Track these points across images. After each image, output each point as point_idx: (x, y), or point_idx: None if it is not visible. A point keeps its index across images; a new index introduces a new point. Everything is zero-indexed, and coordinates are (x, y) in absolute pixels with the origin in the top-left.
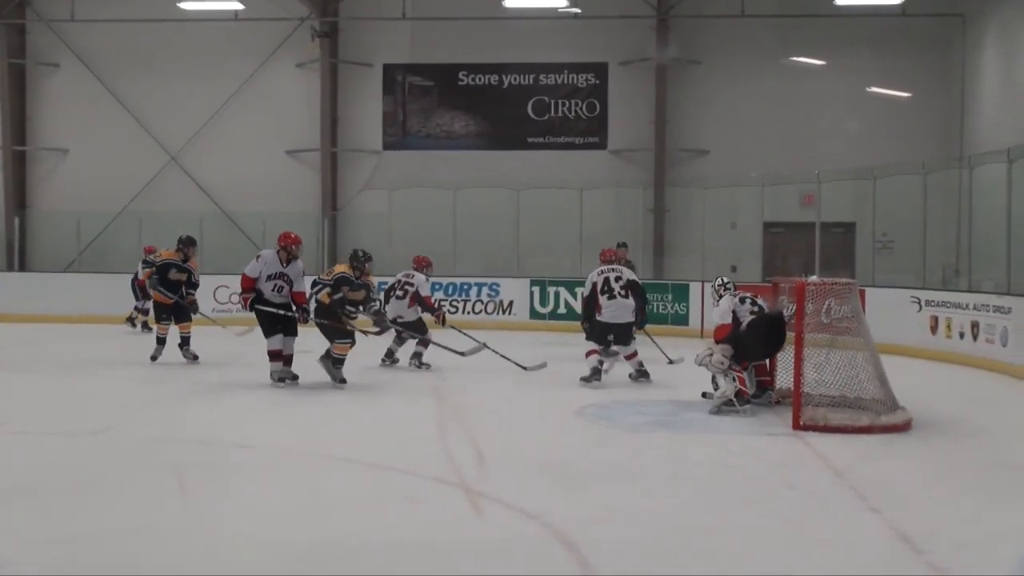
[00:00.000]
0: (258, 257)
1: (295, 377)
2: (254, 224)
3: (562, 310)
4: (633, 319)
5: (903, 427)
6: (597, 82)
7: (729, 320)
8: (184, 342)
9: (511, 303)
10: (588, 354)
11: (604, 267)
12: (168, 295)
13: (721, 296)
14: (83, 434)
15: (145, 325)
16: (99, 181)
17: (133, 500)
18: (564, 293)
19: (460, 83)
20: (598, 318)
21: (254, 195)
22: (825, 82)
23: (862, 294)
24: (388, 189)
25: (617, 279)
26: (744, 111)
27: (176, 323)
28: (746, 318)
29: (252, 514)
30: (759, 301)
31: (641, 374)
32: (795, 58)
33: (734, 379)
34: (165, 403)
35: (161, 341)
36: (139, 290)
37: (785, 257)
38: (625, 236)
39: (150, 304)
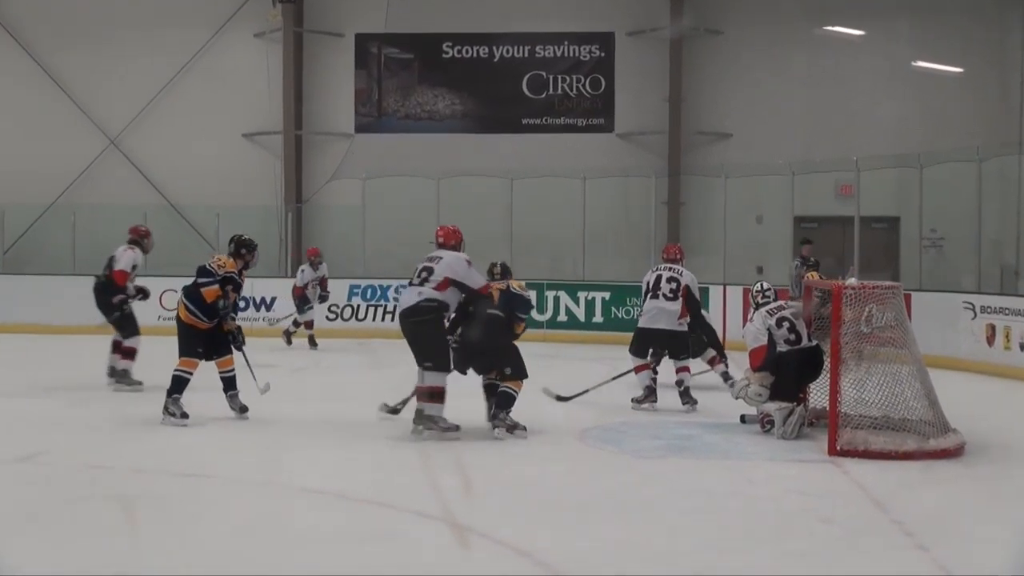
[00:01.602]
0: None
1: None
2: (207, 219)
3: (562, 317)
4: (675, 327)
5: (954, 452)
6: (602, 55)
7: (763, 342)
8: (228, 385)
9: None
10: (637, 370)
11: (662, 265)
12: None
13: (756, 309)
14: (8, 461)
15: (312, 341)
16: (25, 169)
17: (71, 536)
18: (565, 298)
19: (444, 56)
20: (639, 324)
21: (206, 185)
22: (864, 56)
23: (907, 299)
24: (361, 178)
25: (670, 280)
26: (771, 89)
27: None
28: (780, 346)
29: (204, 553)
30: (798, 326)
31: (685, 397)
32: (830, 28)
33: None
34: (103, 426)
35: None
36: (298, 299)
37: (819, 256)
38: (634, 231)
39: (311, 315)
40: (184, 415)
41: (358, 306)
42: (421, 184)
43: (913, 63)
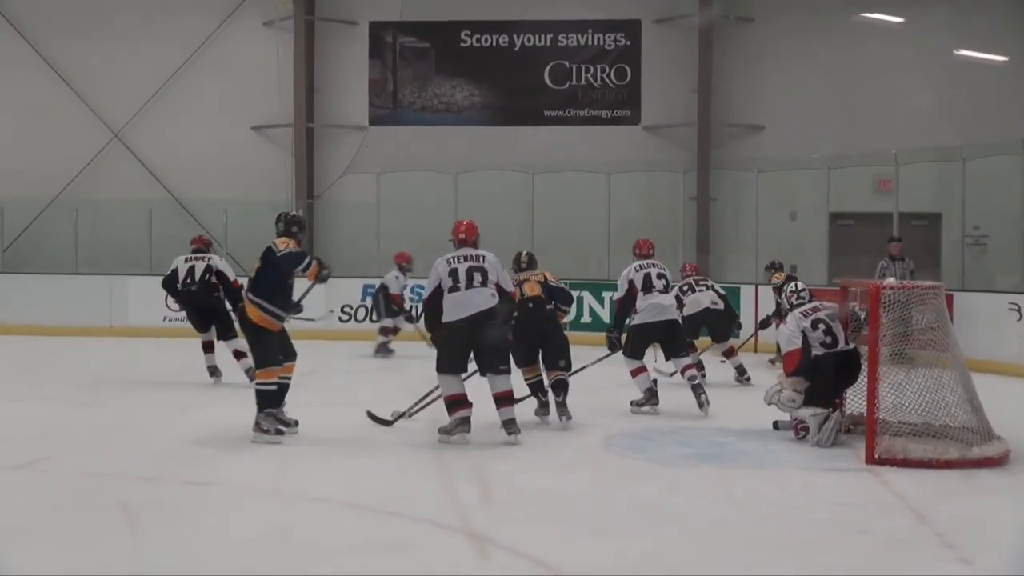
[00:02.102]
0: None
1: None
2: (214, 215)
3: (586, 319)
4: (676, 317)
5: (999, 461)
6: (628, 43)
7: (798, 345)
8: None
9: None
10: (635, 373)
11: (641, 262)
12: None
13: (790, 310)
14: (7, 468)
15: (385, 348)
16: (25, 164)
17: (72, 546)
18: (589, 298)
19: (462, 44)
20: (635, 322)
21: (214, 181)
22: (903, 44)
23: (949, 300)
24: (375, 172)
25: (660, 276)
26: (805, 79)
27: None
28: (816, 350)
29: (211, 565)
30: (834, 328)
31: (697, 392)
32: (866, 14)
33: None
34: (106, 432)
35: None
36: (386, 304)
37: (854, 255)
38: (662, 227)
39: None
40: (279, 431)
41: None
42: (438, 179)
43: (955, 51)
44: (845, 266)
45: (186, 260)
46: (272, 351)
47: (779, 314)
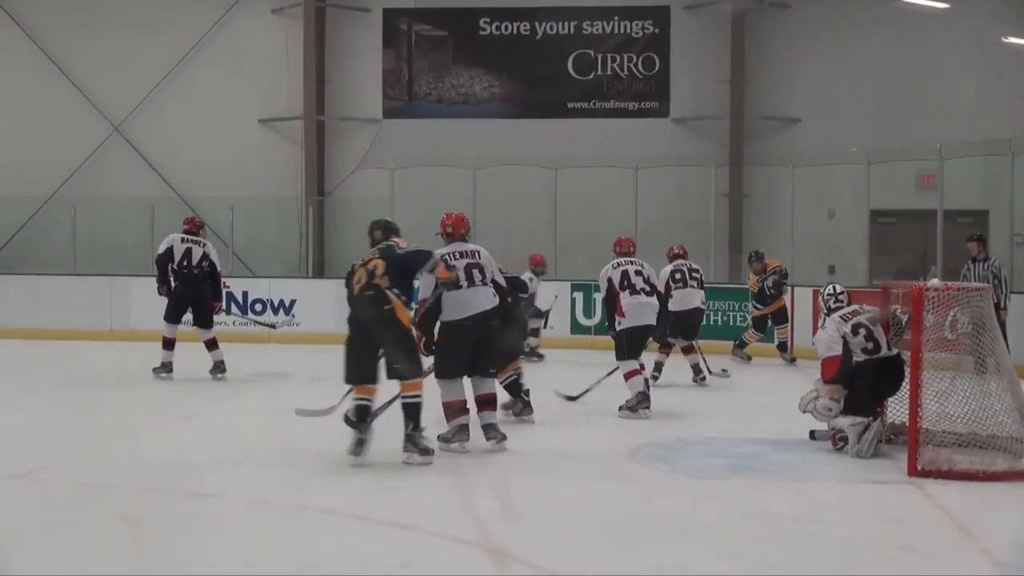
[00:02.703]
0: None
1: None
2: (220, 212)
3: None
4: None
5: None
6: (656, 31)
7: (837, 351)
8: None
9: (547, 313)
10: (628, 376)
11: (620, 259)
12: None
13: (827, 315)
14: (2, 478)
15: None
16: (21, 159)
17: (72, 561)
18: None
19: (481, 33)
20: (622, 326)
21: (219, 176)
22: (947, 31)
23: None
24: (389, 168)
25: (637, 272)
26: (844, 69)
27: None
28: (857, 356)
29: None
30: (876, 332)
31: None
32: (909, 0)
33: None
34: (105, 439)
35: None
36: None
37: (897, 254)
38: (692, 225)
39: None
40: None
41: None
42: (456, 175)
43: (1003, 38)
44: (886, 266)
45: (182, 241)
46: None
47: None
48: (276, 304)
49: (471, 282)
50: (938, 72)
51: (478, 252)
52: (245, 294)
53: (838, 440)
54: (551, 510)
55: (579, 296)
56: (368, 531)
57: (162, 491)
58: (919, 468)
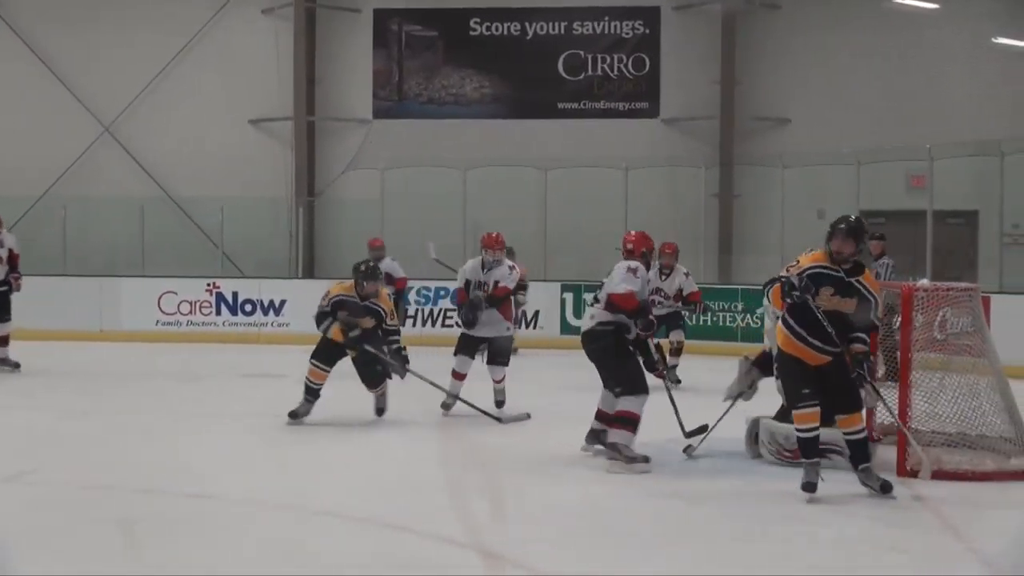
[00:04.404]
0: None
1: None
2: (210, 212)
3: None
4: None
5: None
6: (647, 31)
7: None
8: None
9: (537, 314)
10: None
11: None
12: None
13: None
14: None
15: None
16: (12, 158)
17: (68, 565)
18: None
19: (472, 33)
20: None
21: (209, 177)
22: (939, 32)
23: (986, 302)
24: (380, 168)
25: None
26: (834, 69)
27: None
28: None
29: None
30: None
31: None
32: (900, 0)
33: None
34: (97, 441)
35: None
36: None
37: (888, 255)
38: (682, 226)
39: None
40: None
41: None
42: (446, 175)
43: (994, 39)
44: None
45: None
46: None
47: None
48: (266, 304)
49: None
50: (928, 73)
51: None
52: (235, 294)
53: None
54: (544, 512)
55: (569, 297)
56: (364, 532)
57: (159, 493)
58: (908, 468)
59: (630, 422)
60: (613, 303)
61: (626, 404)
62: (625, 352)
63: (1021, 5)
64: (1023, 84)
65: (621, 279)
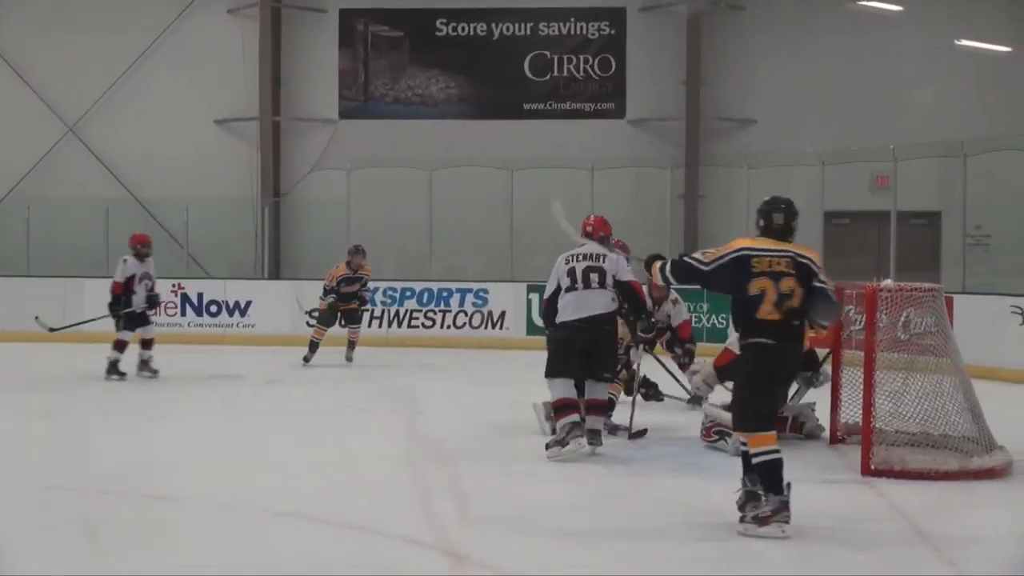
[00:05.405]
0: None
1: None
2: (175, 213)
3: None
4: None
5: (1000, 472)
6: (613, 32)
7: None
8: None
9: (503, 314)
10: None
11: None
12: None
13: None
14: None
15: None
16: None
17: (32, 564)
18: None
19: (438, 33)
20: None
21: (174, 177)
22: (902, 34)
23: (949, 303)
24: (346, 169)
25: None
26: (799, 71)
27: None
28: None
29: None
30: None
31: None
32: (864, 2)
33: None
34: (61, 443)
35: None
36: None
37: (851, 255)
38: (649, 226)
39: None
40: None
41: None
42: (412, 176)
43: (957, 41)
44: (840, 267)
45: None
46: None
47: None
48: (232, 305)
49: (587, 285)
50: (892, 74)
51: (604, 256)
52: (200, 295)
53: (712, 433)
54: (508, 512)
55: (535, 297)
56: (326, 533)
57: (122, 494)
58: (872, 467)
59: (610, 407)
60: (635, 290)
61: (605, 391)
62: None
63: (984, 7)
64: (986, 86)
65: (628, 269)
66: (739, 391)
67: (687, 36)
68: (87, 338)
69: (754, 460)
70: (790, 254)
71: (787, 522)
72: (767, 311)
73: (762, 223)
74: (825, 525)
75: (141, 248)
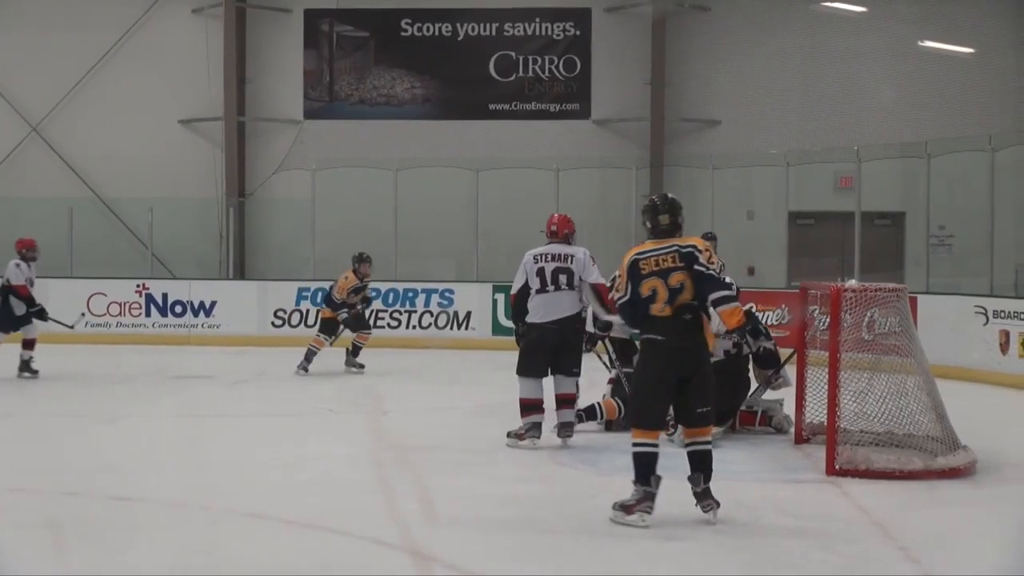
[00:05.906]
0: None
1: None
2: (139, 214)
3: None
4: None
5: (964, 471)
6: (578, 33)
7: None
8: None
9: (468, 315)
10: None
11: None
12: None
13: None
14: None
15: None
16: None
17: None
18: None
19: (403, 34)
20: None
21: (139, 177)
22: (866, 35)
23: (913, 303)
24: (311, 169)
25: None
26: (764, 72)
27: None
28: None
29: None
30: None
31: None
32: (828, 4)
33: None
34: (24, 443)
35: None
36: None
37: (815, 256)
38: (613, 226)
39: None
40: None
41: (307, 311)
42: (377, 176)
43: (920, 43)
44: (805, 267)
45: None
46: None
47: None
48: (196, 306)
49: (557, 287)
50: (856, 75)
51: (572, 256)
52: (165, 296)
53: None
54: (475, 512)
55: (500, 298)
56: (290, 534)
57: (83, 495)
58: (837, 467)
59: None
60: (599, 292)
61: (574, 385)
62: None
63: (947, 9)
64: (949, 87)
65: (594, 268)
66: (632, 386)
67: (652, 37)
68: (51, 339)
69: (633, 450)
70: (674, 248)
71: (649, 512)
72: (659, 308)
73: (649, 225)
74: (790, 525)
75: (28, 252)
